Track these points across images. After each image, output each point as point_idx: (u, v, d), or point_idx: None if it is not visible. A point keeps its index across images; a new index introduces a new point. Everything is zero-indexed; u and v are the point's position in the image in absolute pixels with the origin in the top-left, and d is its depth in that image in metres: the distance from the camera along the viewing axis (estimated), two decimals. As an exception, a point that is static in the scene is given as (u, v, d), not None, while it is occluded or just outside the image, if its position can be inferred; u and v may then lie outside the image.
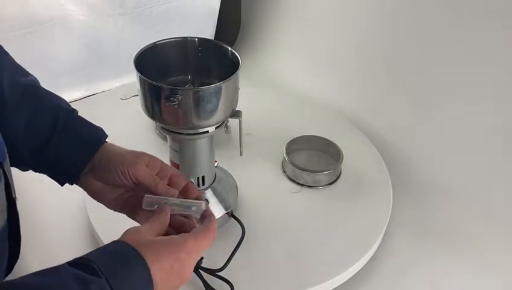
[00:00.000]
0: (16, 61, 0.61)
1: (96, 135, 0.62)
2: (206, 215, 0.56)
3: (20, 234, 0.55)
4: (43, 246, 0.85)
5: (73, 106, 0.64)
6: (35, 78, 0.62)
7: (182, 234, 0.51)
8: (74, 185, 0.63)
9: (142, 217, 0.60)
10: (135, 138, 0.99)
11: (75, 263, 0.44)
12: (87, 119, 0.63)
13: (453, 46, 0.99)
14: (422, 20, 1.05)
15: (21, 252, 0.59)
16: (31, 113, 0.58)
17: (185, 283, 0.49)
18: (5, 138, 0.53)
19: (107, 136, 0.63)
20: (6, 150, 0.50)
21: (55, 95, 0.63)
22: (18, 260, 0.59)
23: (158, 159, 0.62)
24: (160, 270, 0.46)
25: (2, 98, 0.56)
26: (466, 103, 0.99)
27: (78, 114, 0.63)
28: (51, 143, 0.59)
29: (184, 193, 0.61)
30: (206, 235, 0.52)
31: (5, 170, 0.50)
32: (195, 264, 0.51)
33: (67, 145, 0.59)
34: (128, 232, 0.50)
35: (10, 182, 0.51)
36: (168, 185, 0.60)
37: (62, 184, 0.63)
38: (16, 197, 0.52)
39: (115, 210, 0.62)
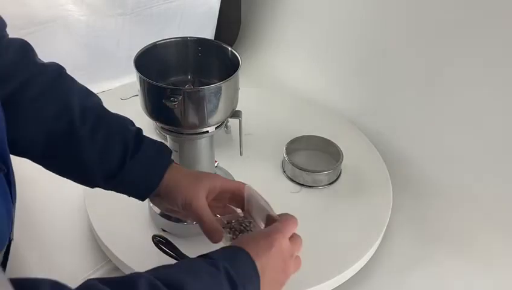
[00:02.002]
0: None
1: (162, 159, 0.66)
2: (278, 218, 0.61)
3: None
4: (43, 246, 0.85)
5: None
6: (99, 98, 0.65)
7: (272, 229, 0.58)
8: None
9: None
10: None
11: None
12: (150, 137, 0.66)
13: (453, 46, 0.99)
14: (422, 20, 1.05)
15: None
16: (104, 143, 0.61)
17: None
18: (77, 167, 0.60)
19: (171, 151, 0.67)
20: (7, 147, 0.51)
21: (120, 115, 0.66)
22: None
23: (217, 178, 0.66)
24: (262, 264, 0.53)
25: (75, 128, 0.59)
26: (466, 103, 0.99)
27: (143, 133, 0.66)
28: (122, 169, 0.62)
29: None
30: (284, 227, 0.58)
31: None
32: (289, 260, 0.57)
33: (137, 171, 0.63)
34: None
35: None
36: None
37: (142, 200, 0.67)
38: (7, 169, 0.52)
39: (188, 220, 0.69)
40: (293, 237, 0.59)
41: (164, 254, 0.69)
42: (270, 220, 0.61)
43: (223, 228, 0.65)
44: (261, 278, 0.52)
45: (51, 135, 0.59)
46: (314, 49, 1.32)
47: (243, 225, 0.66)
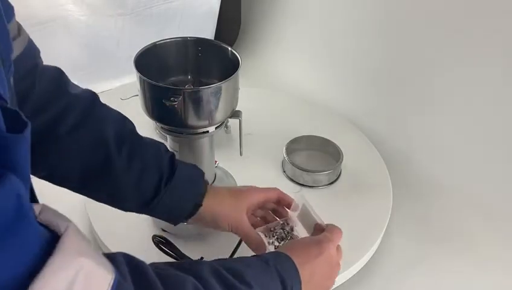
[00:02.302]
0: None
1: (197, 184, 0.67)
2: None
3: None
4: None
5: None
6: (131, 122, 0.66)
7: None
8: None
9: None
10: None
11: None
12: (184, 161, 0.68)
13: (453, 46, 0.99)
14: (422, 20, 1.05)
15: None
16: (139, 171, 0.62)
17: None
18: (113, 195, 0.62)
19: (203, 175, 0.68)
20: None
21: (153, 140, 0.66)
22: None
23: (255, 193, 0.70)
24: (312, 268, 0.58)
25: (111, 159, 0.60)
26: (466, 103, 0.99)
27: (176, 158, 0.67)
28: (157, 197, 0.63)
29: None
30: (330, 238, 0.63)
31: None
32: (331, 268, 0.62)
33: (172, 198, 0.64)
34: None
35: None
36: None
37: (175, 224, 0.69)
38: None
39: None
40: (338, 247, 0.64)
41: (164, 254, 0.69)
42: (318, 229, 0.66)
43: (267, 235, 0.69)
44: (309, 282, 0.56)
45: (87, 167, 0.60)
46: (314, 49, 1.32)
47: (285, 231, 0.71)
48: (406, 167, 1.03)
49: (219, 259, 0.53)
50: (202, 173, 0.68)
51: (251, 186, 0.72)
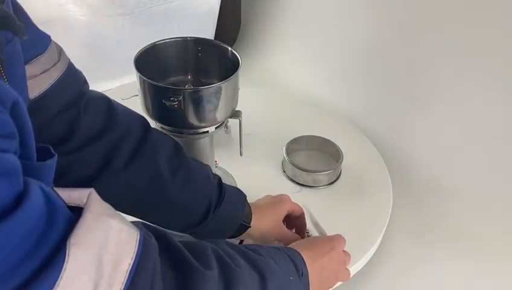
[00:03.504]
0: None
1: (242, 212, 0.69)
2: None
3: None
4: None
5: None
6: (181, 147, 0.67)
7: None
8: None
9: None
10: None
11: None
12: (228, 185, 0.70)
13: (453, 46, 0.99)
14: (422, 20, 1.05)
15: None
16: (190, 201, 0.64)
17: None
18: (163, 219, 0.64)
19: (245, 197, 0.71)
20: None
21: (200, 164, 0.69)
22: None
23: (288, 202, 0.76)
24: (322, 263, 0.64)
25: (166, 189, 0.62)
26: (466, 103, 0.99)
27: (222, 181, 0.69)
28: (203, 222, 0.66)
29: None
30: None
31: None
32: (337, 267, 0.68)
33: (215, 227, 0.67)
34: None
35: None
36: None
37: None
38: None
39: None
40: (345, 251, 0.70)
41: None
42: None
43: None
44: (321, 275, 0.62)
45: (143, 198, 0.62)
46: (314, 49, 1.32)
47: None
48: (406, 167, 1.03)
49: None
50: (245, 197, 0.71)
51: (282, 195, 0.77)
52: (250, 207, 0.71)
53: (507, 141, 0.93)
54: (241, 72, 0.72)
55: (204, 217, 0.65)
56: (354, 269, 0.78)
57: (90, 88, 0.65)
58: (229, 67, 0.72)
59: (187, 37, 0.78)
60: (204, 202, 0.65)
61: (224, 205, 0.67)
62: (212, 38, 1.34)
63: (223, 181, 0.74)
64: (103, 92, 0.64)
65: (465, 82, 0.98)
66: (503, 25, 0.91)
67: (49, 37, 0.51)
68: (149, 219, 0.64)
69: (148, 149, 0.62)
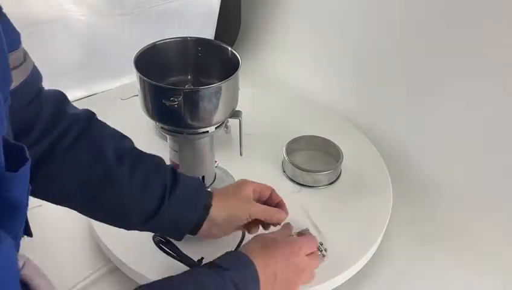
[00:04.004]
0: None
1: (202, 190, 0.67)
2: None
3: None
4: (43, 246, 0.85)
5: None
6: (131, 140, 0.66)
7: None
8: None
9: (255, 228, 0.73)
10: (135, 138, 0.98)
11: (205, 265, 0.60)
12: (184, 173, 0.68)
13: (452, 46, 0.99)
14: (421, 20, 1.05)
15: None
16: (142, 182, 0.62)
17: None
18: (117, 210, 0.62)
19: (205, 185, 0.70)
20: None
21: (152, 154, 0.66)
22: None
23: (250, 181, 0.73)
24: (265, 274, 0.60)
25: (111, 171, 0.60)
26: (466, 103, 0.99)
27: (177, 170, 0.67)
28: (163, 207, 0.62)
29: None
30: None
31: None
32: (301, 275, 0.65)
33: (179, 207, 0.64)
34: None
35: None
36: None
37: (180, 239, 0.68)
38: None
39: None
40: (313, 255, 0.69)
41: (164, 254, 0.69)
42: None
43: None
44: (274, 283, 0.60)
45: (87, 182, 0.60)
46: (314, 49, 1.32)
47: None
48: (406, 167, 1.03)
49: (172, 279, 0.55)
50: (202, 180, 0.71)
51: (241, 179, 0.75)
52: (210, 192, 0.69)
53: (507, 141, 0.93)
54: (241, 72, 0.72)
55: (162, 200, 0.62)
56: (354, 269, 0.78)
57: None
58: (229, 67, 0.72)
59: (187, 37, 0.79)
60: (158, 184, 0.63)
61: (182, 185, 0.64)
62: (212, 38, 1.34)
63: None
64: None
65: (465, 82, 0.98)
66: (502, 22, 0.91)
67: (19, 35, 0.50)
68: (104, 214, 0.64)
69: (92, 135, 0.61)
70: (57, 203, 0.62)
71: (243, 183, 0.73)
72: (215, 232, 0.69)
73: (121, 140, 0.65)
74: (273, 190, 0.74)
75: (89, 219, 0.83)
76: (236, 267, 0.58)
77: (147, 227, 0.64)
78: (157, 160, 0.66)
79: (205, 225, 0.67)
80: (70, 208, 0.63)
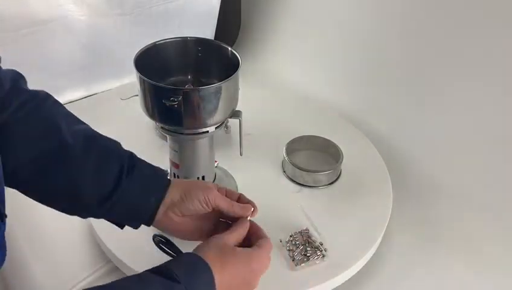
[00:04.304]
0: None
1: (161, 174, 0.64)
2: (263, 236, 0.64)
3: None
4: (43, 246, 0.85)
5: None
6: (88, 125, 0.64)
7: (246, 249, 0.60)
8: None
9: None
10: (135, 138, 0.99)
11: (156, 271, 0.52)
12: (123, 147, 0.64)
13: (452, 47, 0.99)
14: (421, 20, 1.05)
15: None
16: (97, 162, 0.59)
17: None
18: (71, 188, 0.58)
19: (168, 172, 0.66)
20: None
21: (110, 138, 0.64)
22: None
23: (215, 185, 0.67)
24: (223, 282, 0.55)
25: (65, 147, 0.58)
26: (466, 103, 0.99)
27: (222, 181, 0.67)
28: (119, 188, 0.60)
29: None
30: (265, 256, 0.61)
31: None
32: (257, 277, 0.60)
33: (137, 189, 0.61)
34: (200, 244, 0.59)
35: None
36: None
37: (137, 227, 0.65)
38: None
39: (196, 240, 0.66)
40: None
41: (164, 254, 0.69)
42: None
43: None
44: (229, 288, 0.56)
45: (40, 156, 0.57)
46: (314, 49, 1.32)
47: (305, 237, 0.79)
48: (406, 167, 1.03)
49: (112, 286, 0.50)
50: (163, 169, 0.66)
51: None
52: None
53: (507, 141, 0.93)
54: (241, 72, 0.72)
55: (118, 181, 0.59)
56: (354, 269, 0.78)
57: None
58: (229, 67, 0.72)
59: (187, 37, 0.78)
60: (115, 164, 0.60)
61: (140, 167, 0.62)
62: (212, 38, 1.34)
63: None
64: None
65: (465, 82, 0.98)
66: (504, 24, 0.91)
67: None
68: (56, 195, 0.60)
69: (47, 111, 0.59)
70: (9, 184, 0.57)
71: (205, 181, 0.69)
72: (173, 218, 0.63)
73: (78, 122, 0.63)
74: (241, 195, 0.68)
75: (89, 219, 0.83)
76: (190, 278, 0.52)
77: (102, 211, 0.61)
78: (115, 143, 0.63)
79: (161, 209, 0.63)
80: (22, 189, 0.60)
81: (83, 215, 0.63)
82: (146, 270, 0.52)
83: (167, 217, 0.63)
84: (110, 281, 0.50)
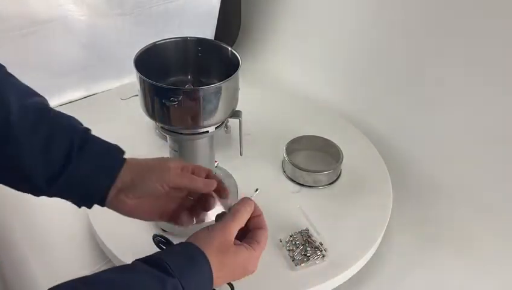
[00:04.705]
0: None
1: (115, 153, 0.60)
2: (262, 226, 0.60)
3: None
4: (44, 247, 0.85)
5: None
6: (45, 99, 0.60)
7: (247, 247, 0.56)
8: None
9: (184, 218, 0.63)
10: (135, 138, 0.99)
11: (149, 262, 0.48)
12: (99, 137, 0.61)
13: (452, 47, 0.99)
14: (421, 20, 1.05)
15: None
16: (46, 138, 0.55)
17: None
18: (18, 166, 0.54)
19: (124, 151, 0.61)
20: None
21: (67, 115, 0.60)
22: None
23: (179, 162, 0.63)
24: (217, 280, 0.52)
25: (12, 124, 0.54)
26: (465, 103, 0.99)
27: (92, 133, 0.60)
28: (69, 166, 0.56)
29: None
30: (260, 254, 0.58)
31: None
32: (246, 275, 0.57)
33: (87, 166, 0.57)
34: (201, 233, 0.55)
35: None
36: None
37: (90, 207, 0.60)
38: None
39: (154, 221, 0.63)
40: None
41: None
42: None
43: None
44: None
45: None
46: (314, 49, 1.32)
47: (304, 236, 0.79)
48: (406, 167, 1.03)
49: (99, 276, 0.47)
50: (121, 148, 0.62)
51: None
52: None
53: (507, 141, 0.93)
54: (241, 72, 0.72)
55: (68, 158, 0.56)
56: (354, 269, 0.78)
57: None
58: (229, 67, 0.72)
59: (187, 37, 0.78)
60: (65, 140, 0.56)
61: (92, 144, 0.58)
62: (212, 38, 1.34)
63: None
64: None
65: (465, 82, 0.98)
66: (504, 23, 0.91)
67: None
68: (5, 171, 0.56)
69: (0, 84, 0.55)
70: None
71: (169, 158, 0.63)
72: (126, 201, 0.59)
73: (32, 95, 0.58)
74: (210, 171, 0.64)
75: (89, 219, 0.83)
76: (187, 274, 0.48)
77: (53, 190, 0.57)
78: (69, 118, 0.59)
79: (112, 191, 0.58)
80: None
81: (36, 194, 0.59)
82: (137, 259, 0.49)
83: (118, 199, 0.59)
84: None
